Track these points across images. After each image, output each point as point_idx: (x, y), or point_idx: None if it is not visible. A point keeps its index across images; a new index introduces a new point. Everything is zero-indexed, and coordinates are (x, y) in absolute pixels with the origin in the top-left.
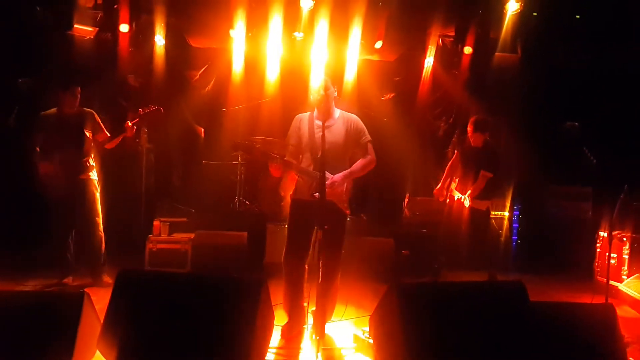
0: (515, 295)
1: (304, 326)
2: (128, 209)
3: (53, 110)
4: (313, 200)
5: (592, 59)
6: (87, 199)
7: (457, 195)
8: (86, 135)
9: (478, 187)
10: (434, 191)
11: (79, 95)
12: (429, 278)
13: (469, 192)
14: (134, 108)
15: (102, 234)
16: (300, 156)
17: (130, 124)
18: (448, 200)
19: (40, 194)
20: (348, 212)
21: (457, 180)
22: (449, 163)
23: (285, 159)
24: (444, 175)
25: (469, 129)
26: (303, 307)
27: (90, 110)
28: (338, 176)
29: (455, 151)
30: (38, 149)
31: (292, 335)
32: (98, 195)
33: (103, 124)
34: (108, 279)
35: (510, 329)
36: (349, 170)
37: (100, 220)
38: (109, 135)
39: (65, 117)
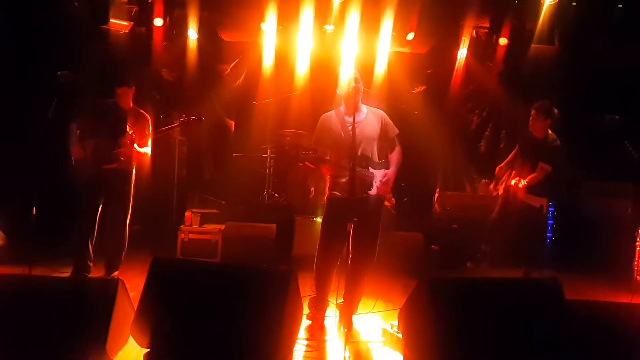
0: (550, 293)
1: (325, 319)
2: (161, 200)
3: (110, 100)
4: (352, 198)
5: (633, 50)
6: (114, 192)
7: (513, 181)
8: (127, 129)
9: (536, 178)
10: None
11: (130, 94)
12: (471, 265)
13: (526, 179)
14: (168, 102)
15: (126, 234)
16: (331, 155)
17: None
18: (502, 192)
19: (71, 179)
20: (393, 201)
21: (514, 173)
22: (508, 158)
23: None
24: (501, 168)
25: (532, 113)
26: (327, 302)
27: (147, 115)
28: (391, 172)
29: (517, 146)
30: (78, 132)
31: (315, 328)
32: (129, 188)
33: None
34: (115, 274)
35: (544, 327)
36: (394, 166)
37: (127, 220)
38: (148, 146)
39: (116, 109)
